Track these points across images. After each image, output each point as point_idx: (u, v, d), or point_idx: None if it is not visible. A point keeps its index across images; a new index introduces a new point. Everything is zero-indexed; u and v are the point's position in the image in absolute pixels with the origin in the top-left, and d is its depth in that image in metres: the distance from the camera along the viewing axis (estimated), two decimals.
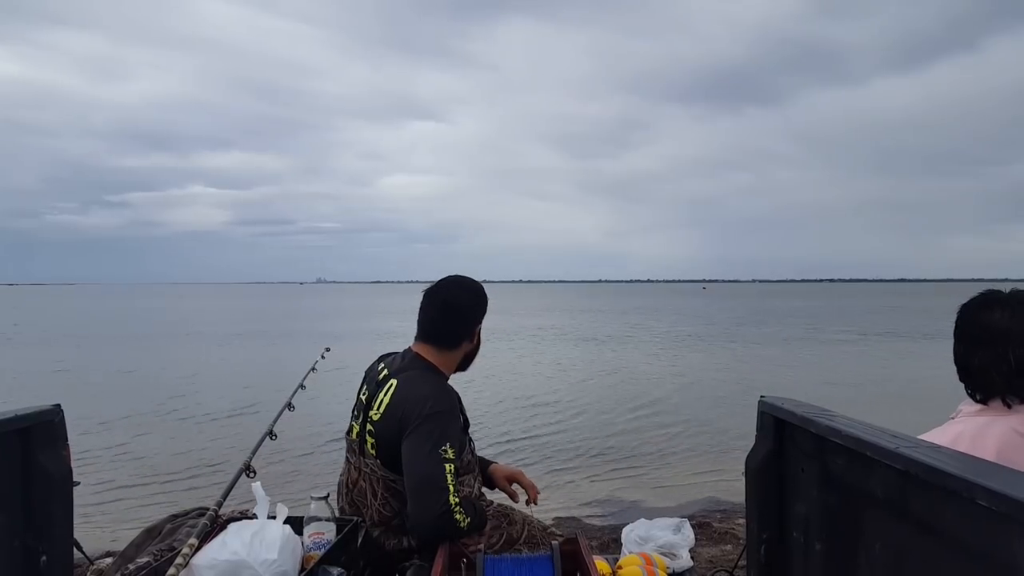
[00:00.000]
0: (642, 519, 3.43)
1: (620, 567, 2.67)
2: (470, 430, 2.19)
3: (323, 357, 3.63)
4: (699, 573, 3.35)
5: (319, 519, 1.81)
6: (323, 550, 1.75)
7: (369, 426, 2.03)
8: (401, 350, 2.22)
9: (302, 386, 3.04)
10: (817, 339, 23.10)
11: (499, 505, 2.23)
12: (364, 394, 2.14)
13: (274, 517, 1.74)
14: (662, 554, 3.01)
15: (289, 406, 2.71)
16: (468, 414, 2.21)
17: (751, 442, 1.53)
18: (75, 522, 1.48)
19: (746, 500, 1.55)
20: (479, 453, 2.27)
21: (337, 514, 1.92)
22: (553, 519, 5.26)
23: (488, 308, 2.24)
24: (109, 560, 2.77)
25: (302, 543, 1.75)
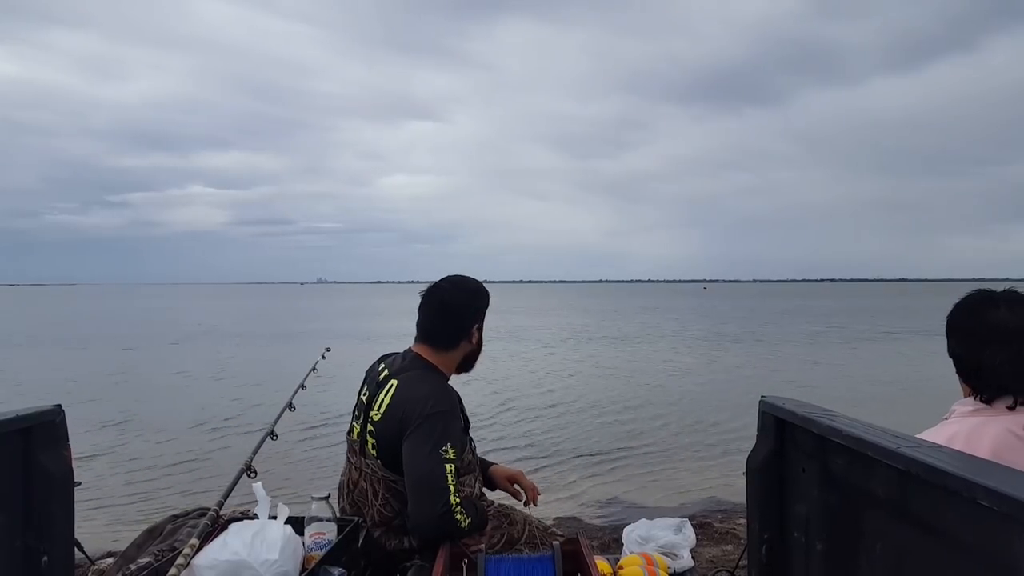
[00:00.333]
0: (643, 519, 3.43)
1: (621, 567, 2.67)
2: (470, 430, 2.20)
3: (324, 357, 3.64)
4: (700, 573, 3.35)
5: (320, 519, 1.82)
6: (324, 550, 1.75)
7: (370, 426, 2.04)
8: (401, 350, 2.22)
9: (303, 386, 3.04)
10: (818, 339, 23.11)
11: (500, 505, 2.23)
12: (365, 394, 2.14)
13: (275, 517, 1.74)
14: (663, 554, 3.01)
15: (290, 406, 2.71)
16: (469, 414, 2.21)
17: (752, 442, 1.53)
18: (76, 522, 1.48)
19: (747, 500, 1.55)
20: (480, 453, 2.27)
21: (338, 514, 1.92)
22: (554, 519, 5.26)
23: (489, 308, 2.24)
24: (110, 560, 2.77)
25: (303, 543, 1.75)
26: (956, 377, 1.57)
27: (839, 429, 1.17)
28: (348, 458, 2.18)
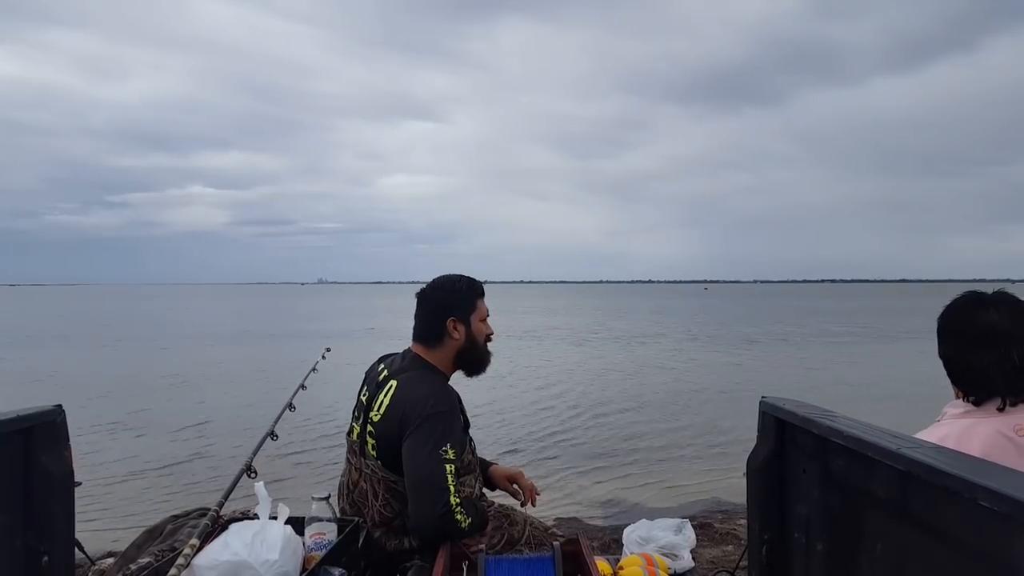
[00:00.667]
0: (643, 520, 3.43)
1: (621, 568, 2.67)
2: (470, 430, 2.20)
3: (324, 357, 3.64)
4: (700, 574, 3.35)
5: (320, 519, 1.82)
6: (324, 551, 1.75)
7: (370, 427, 2.04)
8: (401, 351, 2.23)
9: (303, 386, 3.04)
10: (818, 340, 23.10)
11: (500, 506, 2.23)
12: (364, 395, 2.15)
13: (275, 517, 1.74)
14: (663, 555, 3.02)
15: (290, 406, 2.71)
16: (469, 414, 2.21)
17: (752, 442, 1.53)
18: (76, 522, 1.48)
19: (747, 501, 1.55)
20: (480, 454, 2.27)
21: (338, 515, 1.92)
22: (554, 519, 5.26)
23: (489, 308, 2.23)
24: (111, 560, 2.77)
25: (303, 544, 1.75)
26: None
27: (839, 430, 1.17)
28: (348, 459, 2.18)
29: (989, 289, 1.56)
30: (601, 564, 2.43)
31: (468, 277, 2.21)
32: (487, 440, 8.12)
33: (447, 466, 1.87)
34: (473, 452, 2.15)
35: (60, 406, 1.43)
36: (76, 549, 1.52)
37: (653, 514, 4.51)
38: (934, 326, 1.58)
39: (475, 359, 2.18)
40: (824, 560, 1.32)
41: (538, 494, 2.34)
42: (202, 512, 1.99)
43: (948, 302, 1.58)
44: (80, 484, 1.48)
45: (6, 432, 1.31)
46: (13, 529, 1.34)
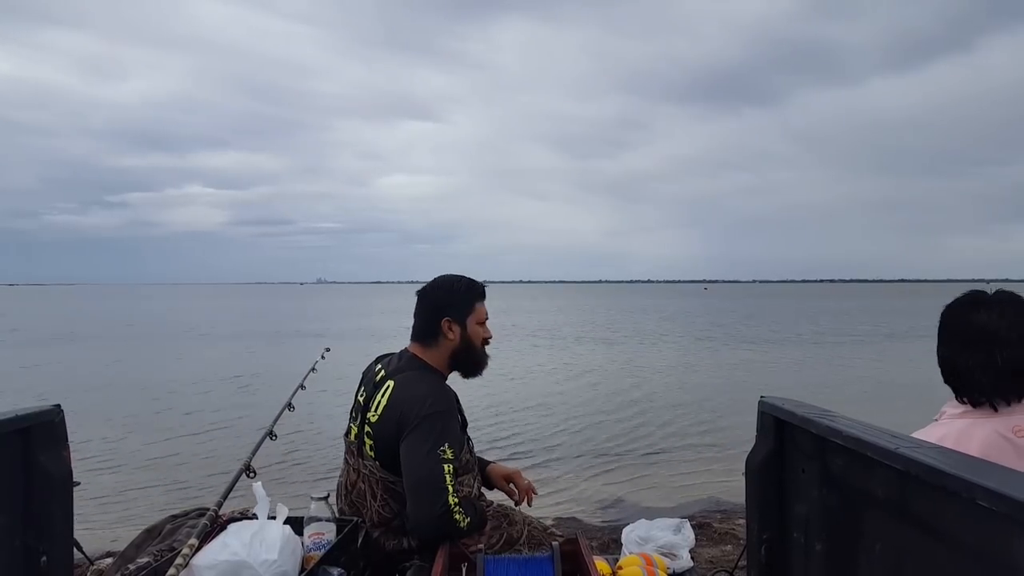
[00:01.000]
0: (642, 519, 3.43)
1: (620, 567, 2.67)
2: (468, 429, 2.19)
3: (323, 357, 3.64)
4: (699, 573, 3.35)
5: (319, 519, 1.81)
6: (323, 550, 1.75)
7: (367, 428, 2.03)
8: (398, 351, 2.22)
9: (302, 386, 3.04)
10: (817, 339, 23.11)
11: (499, 505, 2.23)
12: (362, 395, 2.14)
13: (274, 517, 1.74)
14: (662, 554, 3.01)
15: (289, 406, 2.71)
16: (467, 414, 2.21)
17: (751, 442, 1.53)
18: (75, 522, 1.48)
19: (746, 500, 1.55)
20: (479, 454, 2.27)
21: (337, 515, 1.92)
22: (553, 519, 5.26)
23: (489, 308, 2.22)
24: (109, 560, 2.77)
25: (302, 543, 1.75)
26: None
27: (838, 429, 1.17)
28: (346, 459, 2.18)
29: (989, 289, 1.56)
30: (600, 564, 2.43)
31: (469, 278, 2.19)
32: (486, 440, 8.12)
33: (445, 466, 1.87)
34: (471, 452, 2.14)
35: (59, 406, 1.43)
36: (75, 549, 1.52)
37: (652, 514, 4.51)
38: (933, 326, 1.58)
39: (470, 361, 2.15)
40: (823, 560, 1.32)
41: (536, 494, 2.31)
42: (201, 512, 1.99)
43: (949, 301, 1.58)
44: (79, 484, 1.48)
45: (5, 432, 1.31)
46: (12, 529, 1.34)
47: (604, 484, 6.67)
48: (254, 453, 2.13)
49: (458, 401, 2.13)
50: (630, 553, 3.07)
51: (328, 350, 3.89)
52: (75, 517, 1.47)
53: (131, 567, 1.70)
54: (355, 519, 1.96)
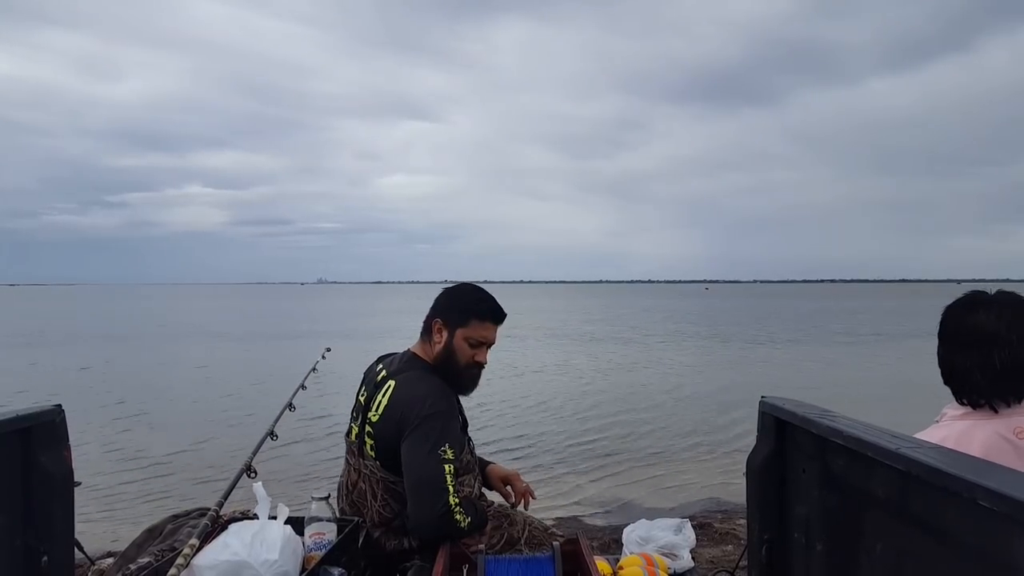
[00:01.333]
0: (643, 519, 3.42)
1: (621, 567, 2.67)
2: (469, 430, 2.19)
3: (324, 357, 3.64)
4: (700, 574, 3.35)
5: (320, 519, 1.81)
6: (324, 550, 1.75)
7: (368, 428, 2.04)
8: (400, 351, 2.22)
9: (303, 386, 3.04)
10: (818, 339, 23.10)
11: (500, 505, 2.23)
12: (363, 395, 2.14)
13: (275, 517, 1.74)
14: (663, 555, 3.01)
15: (290, 406, 2.71)
16: (468, 414, 2.21)
17: (752, 442, 1.53)
18: (76, 522, 1.48)
19: (747, 501, 1.54)
20: (479, 453, 2.26)
21: (338, 515, 1.92)
22: (554, 519, 5.26)
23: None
24: (110, 560, 2.78)
25: (303, 543, 1.75)
26: None
27: (839, 430, 1.17)
28: (347, 459, 2.18)
29: (990, 289, 1.56)
30: (601, 564, 2.43)
31: (483, 297, 2.12)
32: (487, 440, 8.12)
33: (446, 466, 1.87)
34: (472, 452, 2.14)
35: (59, 406, 1.43)
36: (76, 549, 1.52)
37: (653, 514, 4.51)
38: (933, 326, 1.58)
39: (449, 372, 2.07)
40: (824, 560, 1.32)
41: (533, 498, 2.27)
42: (202, 512, 1.99)
43: (949, 302, 1.58)
44: (80, 484, 1.48)
45: (5, 432, 1.31)
46: (13, 529, 1.34)
47: (605, 484, 6.67)
48: (255, 453, 2.13)
49: (459, 401, 2.13)
50: (631, 553, 3.07)
51: (329, 350, 3.89)
52: (76, 517, 1.47)
53: (132, 567, 1.70)
54: (356, 519, 1.96)
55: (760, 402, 1.51)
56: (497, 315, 2.12)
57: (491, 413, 9.89)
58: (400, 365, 2.10)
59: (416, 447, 1.89)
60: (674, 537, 3.19)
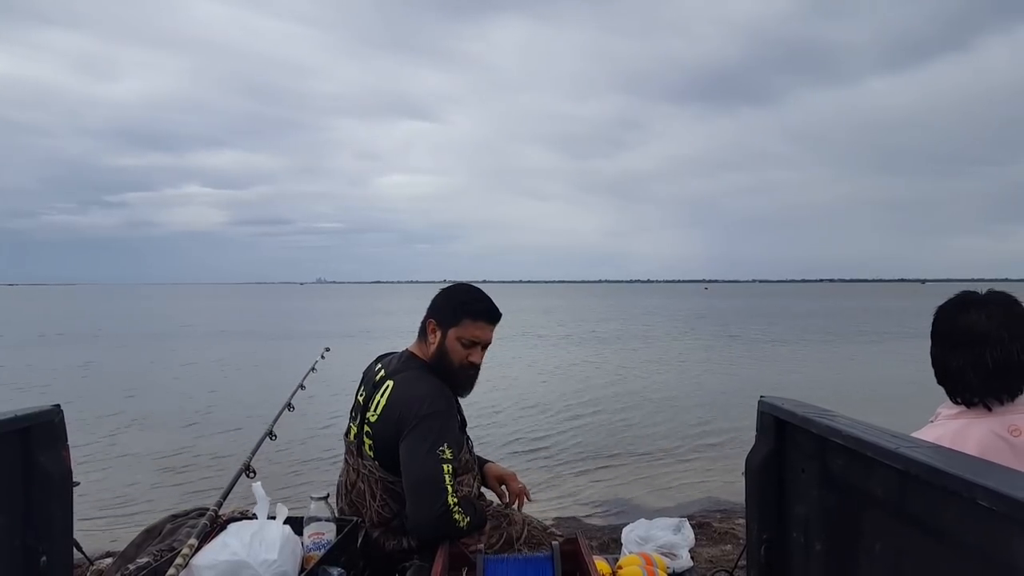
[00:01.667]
0: (642, 519, 3.42)
1: (620, 567, 2.67)
2: (468, 429, 2.19)
3: (323, 357, 3.63)
4: (699, 573, 3.35)
5: (319, 519, 1.81)
6: (323, 550, 1.75)
7: (367, 428, 2.03)
8: (399, 351, 2.22)
9: (302, 386, 3.04)
10: (817, 339, 23.11)
11: (499, 505, 2.23)
12: (361, 395, 2.14)
13: (274, 517, 1.74)
14: (662, 554, 3.01)
15: (289, 406, 2.71)
16: (467, 413, 2.21)
17: (751, 442, 1.53)
18: (75, 522, 1.48)
19: (746, 500, 1.55)
20: (479, 452, 2.26)
21: (337, 514, 1.92)
22: (553, 519, 5.26)
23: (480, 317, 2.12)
24: (109, 560, 2.77)
25: (302, 543, 1.75)
26: None
27: (838, 429, 1.17)
28: (346, 459, 2.18)
29: (990, 289, 1.57)
30: (600, 564, 2.43)
31: (477, 296, 2.12)
32: (486, 440, 8.12)
33: (444, 466, 1.87)
34: (471, 451, 2.14)
35: (58, 406, 1.43)
36: (74, 549, 1.52)
37: (652, 513, 4.51)
38: (930, 326, 1.59)
39: (443, 371, 2.06)
40: (823, 560, 1.32)
41: (528, 500, 2.26)
42: (201, 512, 1.99)
43: (942, 302, 1.59)
44: (79, 484, 1.48)
45: (4, 432, 1.31)
46: (12, 529, 1.34)
47: (604, 484, 6.67)
48: (254, 453, 2.13)
49: (457, 401, 2.12)
50: (630, 553, 3.07)
51: (328, 350, 3.89)
52: (75, 517, 1.47)
53: (131, 567, 1.70)
54: (355, 519, 1.96)
55: (759, 401, 1.51)
56: (491, 315, 2.11)
57: (490, 412, 9.89)
58: (398, 365, 2.10)
59: (414, 447, 1.89)
60: (673, 537, 3.19)
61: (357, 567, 1.90)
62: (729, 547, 4.37)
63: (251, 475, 2.01)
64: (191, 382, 13.62)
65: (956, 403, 1.51)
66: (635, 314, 42.26)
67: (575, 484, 6.66)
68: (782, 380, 13.63)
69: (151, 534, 2.00)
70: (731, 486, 6.23)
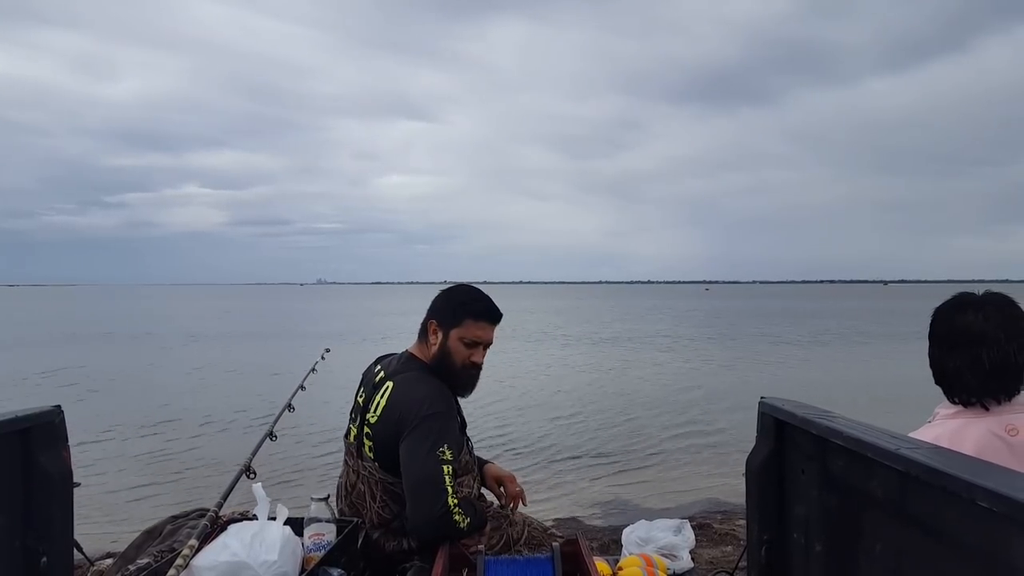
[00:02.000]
0: (642, 520, 3.43)
1: (620, 568, 2.67)
2: (468, 430, 2.19)
3: (323, 358, 3.64)
4: (700, 574, 3.35)
5: (319, 520, 1.81)
6: (323, 551, 1.75)
7: (367, 429, 2.03)
8: (399, 352, 2.22)
9: (302, 387, 3.04)
10: (817, 340, 23.10)
11: (499, 506, 2.23)
12: (361, 396, 2.14)
13: (274, 518, 1.74)
14: (663, 555, 3.02)
15: (289, 407, 2.71)
16: (468, 415, 2.21)
17: (751, 443, 1.53)
18: (75, 523, 1.48)
19: (746, 501, 1.55)
20: (479, 453, 2.26)
21: (337, 515, 1.92)
22: (553, 520, 5.26)
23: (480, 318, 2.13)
24: (109, 561, 2.77)
25: (302, 544, 1.75)
26: None
27: (838, 430, 1.17)
28: (346, 460, 2.18)
29: (987, 290, 1.57)
30: (600, 565, 2.43)
31: (478, 297, 2.12)
32: (486, 440, 8.12)
33: (444, 467, 1.87)
34: (471, 452, 2.14)
35: (59, 406, 1.43)
36: (75, 550, 1.52)
37: (652, 515, 4.51)
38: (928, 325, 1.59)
39: (445, 372, 2.06)
40: (823, 561, 1.32)
41: (524, 504, 2.26)
42: (201, 513, 1.99)
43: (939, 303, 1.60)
44: (79, 485, 1.48)
45: (4, 433, 1.31)
46: (12, 530, 1.34)
47: (604, 485, 6.67)
48: (254, 454, 2.13)
49: (457, 402, 2.12)
50: (630, 554, 3.08)
51: (328, 351, 3.89)
52: (75, 518, 1.47)
53: (131, 568, 1.70)
54: (355, 520, 1.96)
55: (759, 402, 1.51)
56: (492, 315, 2.11)
57: (490, 413, 9.89)
58: (398, 366, 2.10)
59: (415, 448, 1.89)
60: (673, 538, 3.20)
61: (357, 568, 1.90)
62: (730, 548, 4.36)
63: (251, 476, 2.01)
64: (191, 383, 13.62)
65: (954, 403, 1.52)
66: (636, 315, 42.27)
67: (575, 485, 6.66)
68: (782, 381, 13.63)
69: (151, 535, 2.00)
70: (732, 487, 6.22)
